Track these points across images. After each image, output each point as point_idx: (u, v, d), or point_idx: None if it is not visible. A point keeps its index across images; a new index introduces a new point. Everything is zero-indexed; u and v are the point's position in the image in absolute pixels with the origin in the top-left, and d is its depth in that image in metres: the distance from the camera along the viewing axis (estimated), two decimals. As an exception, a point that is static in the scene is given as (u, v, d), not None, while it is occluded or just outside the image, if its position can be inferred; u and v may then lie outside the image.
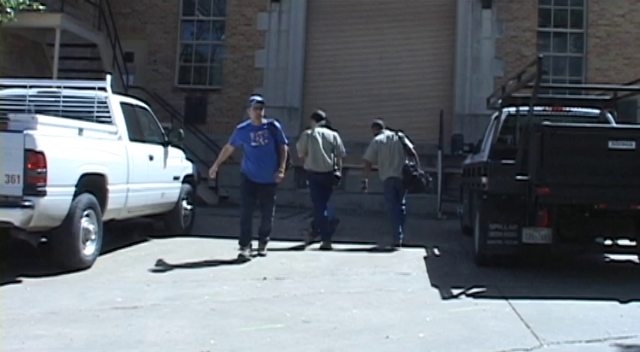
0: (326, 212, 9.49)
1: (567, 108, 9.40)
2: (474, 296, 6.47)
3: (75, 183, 6.95)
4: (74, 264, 7.03)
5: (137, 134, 8.71)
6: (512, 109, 8.83)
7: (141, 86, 15.43)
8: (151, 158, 8.93)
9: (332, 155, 9.48)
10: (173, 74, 16.76)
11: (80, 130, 7.33)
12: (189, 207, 10.18)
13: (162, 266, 7.52)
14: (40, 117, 6.76)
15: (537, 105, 8.11)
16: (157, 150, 9.19)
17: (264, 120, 8.33)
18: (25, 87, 8.27)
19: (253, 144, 8.22)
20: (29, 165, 6.39)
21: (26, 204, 6.40)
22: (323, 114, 9.83)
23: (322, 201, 9.51)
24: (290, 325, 5.23)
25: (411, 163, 9.48)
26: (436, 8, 16.42)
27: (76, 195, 6.97)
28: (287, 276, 7.19)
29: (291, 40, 16.32)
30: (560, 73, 16.00)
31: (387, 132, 9.79)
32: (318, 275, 7.39)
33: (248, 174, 8.27)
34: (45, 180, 6.47)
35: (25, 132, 6.43)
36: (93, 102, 8.14)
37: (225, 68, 16.58)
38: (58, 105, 8.04)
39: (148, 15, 16.74)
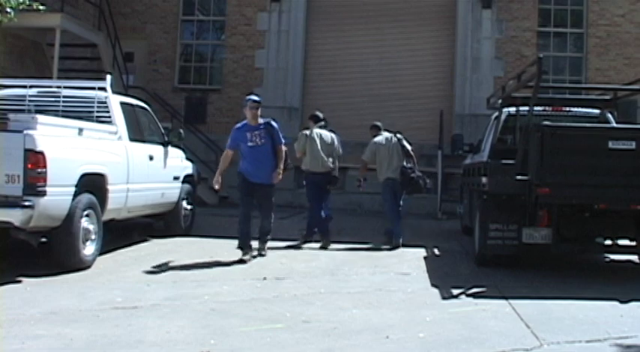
0: (323, 211, 9.53)
1: (567, 108, 9.40)
2: (474, 296, 6.47)
3: (75, 183, 6.95)
4: (74, 264, 7.02)
5: (137, 134, 8.71)
6: (512, 109, 8.84)
7: (141, 86, 15.43)
8: (151, 158, 8.93)
9: (330, 156, 9.53)
10: (173, 74, 16.77)
11: (80, 130, 7.33)
12: (189, 207, 10.18)
13: (162, 267, 7.52)
14: (40, 117, 6.76)
15: (537, 105, 8.10)
16: (157, 150, 9.19)
17: (261, 120, 8.29)
18: (25, 87, 8.27)
19: (250, 144, 8.19)
20: (29, 165, 6.39)
21: (26, 204, 6.40)
22: (321, 115, 9.93)
23: (318, 201, 9.56)
24: (290, 325, 5.23)
25: (409, 165, 9.57)
26: (436, 8, 16.43)
27: (76, 195, 6.97)
28: (287, 276, 7.18)
29: (291, 40, 16.32)
30: (560, 73, 16.00)
31: (386, 134, 9.88)
32: (318, 275, 7.39)
33: (245, 174, 8.24)
34: (45, 180, 6.47)
35: (25, 132, 6.43)
36: (93, 102, 8.14)
37: (225, 68, 16.59)
38: (58, 105, 8.04)
39: (148, 15, 16.75)
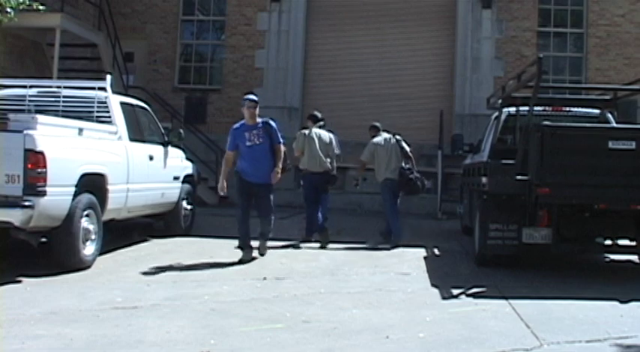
0: (320, 210, 9.56)
1: (567, 108, 9.40)
2: (474, 296, 6.47)
3: (75, 183, 6.95)
4: (74, 264, 7.02)
5: (137, 134, 8.71)
6: (512, 109, 8.84)
7: (141, 86, 15.43)
8: (151, 158, 8.93)
9: (328, 156, 9.57)
10: (173, 74, 16.77)
11: (80, 130, 7.33)
12: (189, 207, 10.18)
13: (162, 267, 7.51)
14: (40, 117, 6.76)
15: (537, 105, 8.10)
16: (156, 150, 9.19)
17: (259, 120, 8.28)
18: (25, 87, 8.27)
19: (248, 143, 8.17)
20: (29, 165, 6.39)
21: (26, 204, 6.40)
22: (319, 115, 9.99)
23: (313, 202, 9.60)
24: (290, 325, 5.23)
25: (407, 166, 9.60)
26: (436, 8, 16.44)
27: (76, 195, 6.97)
28: (287, 276, 7.18)
29: (291, 40, 16.33)
30: (560, 73, 16.00)
31: (385, 135, 9.92)
32: (318, 275, 7.38)
33: (242, 173, 8.21)
34: (45, 180, 6.47)
35: (25, 132, 6.43)
36: (93, 102, 8.14)
37: (225, 68, 16.59)
38: (58, 105, 8.04)
39: (148, 15, 16.75)
